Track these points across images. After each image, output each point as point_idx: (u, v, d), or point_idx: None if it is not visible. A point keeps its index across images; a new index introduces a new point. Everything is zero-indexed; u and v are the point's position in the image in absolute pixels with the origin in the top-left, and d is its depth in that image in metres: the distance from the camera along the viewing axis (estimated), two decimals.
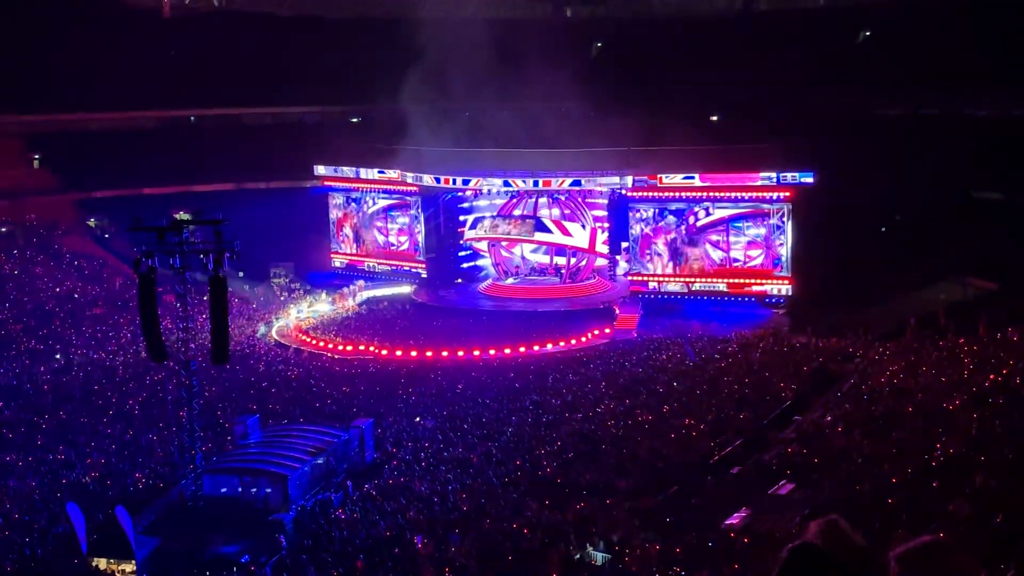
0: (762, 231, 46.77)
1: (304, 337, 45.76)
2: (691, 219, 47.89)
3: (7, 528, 23.32)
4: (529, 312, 48.80)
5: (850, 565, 3.45)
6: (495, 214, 53.99)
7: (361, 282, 55.50)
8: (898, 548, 3.52)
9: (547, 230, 52.51)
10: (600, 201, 52.90)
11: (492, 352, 41.63)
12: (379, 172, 55.83)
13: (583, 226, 52.51)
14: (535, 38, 50.82)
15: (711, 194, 47.40)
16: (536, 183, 51.81)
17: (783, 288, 46.47)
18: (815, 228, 45.47)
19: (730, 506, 23.44)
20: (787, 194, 45.92)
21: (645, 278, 48.93)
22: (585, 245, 52.56)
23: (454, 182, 53.30)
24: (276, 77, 59.95)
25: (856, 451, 25.51)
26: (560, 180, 51.46)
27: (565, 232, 52.42)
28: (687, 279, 48.17)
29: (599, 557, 21.33)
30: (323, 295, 53.83)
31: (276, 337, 46.35)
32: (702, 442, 28.45)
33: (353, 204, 57.50)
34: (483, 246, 56.05)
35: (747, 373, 35.42)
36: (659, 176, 48.11)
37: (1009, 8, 49.73)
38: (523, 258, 55.70)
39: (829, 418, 29.51)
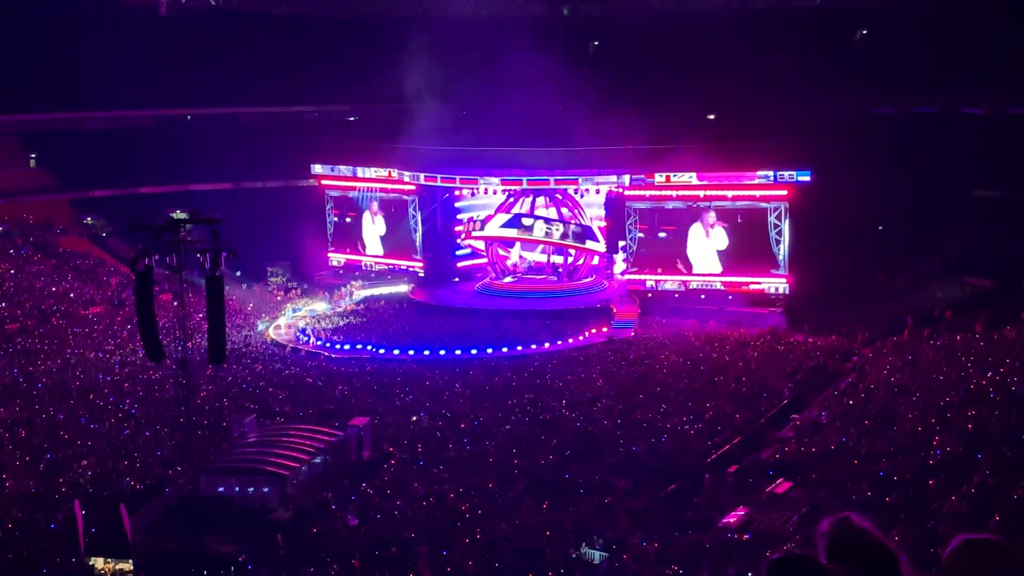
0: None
1: (303, 337, 45.69)
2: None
3: (4, 527, 23.26)
4: (526, 310, 48.75)
5: (872, 563, 3.43)
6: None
7: (357, 282, 55.49)
8: (958, 542, 3.53)
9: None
10: (597, 199, 52.89)
11: (489, 351, 41.61)
12: (376, 171, 55.79)
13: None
14: (532, 37, 50.76)
15: (708, 193, 47.43)
16: (534, 182, 51.77)
17: (781, 286, 46.48)
18: (812, 227, 45.49)
19: (728, 505, 23.47)
20: (784, 193, 45.97)
21: (643, 276, 48.94)
22: (603, 250, 52.74)
23: (451, 181, 53.33)
24: (272, 76, 59.87)
25: (853, 449, 25.55)
26: (557, 179, 51.44)
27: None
28: (684, 277, 48.19)
29: (597, 556, 21.35)
30: (320, 294, 53.81)
31: (273, 336, 46.30)
32: (699, 441, 28.47)
33: (350, 203, 57.41)
34: (480, 245, 56.00)
35: (744, 372, 35.46)
36: (656, 175, 48.14)
37: (1006, 8, 49.82)
38: (520, 256, 55.70)
39: (826, 416, 29.56)
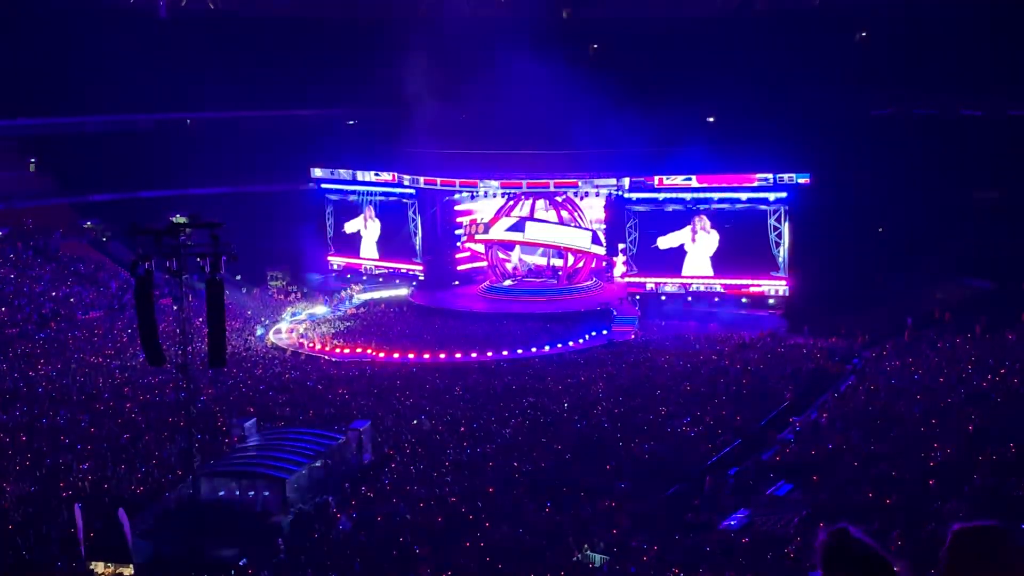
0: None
1: (303, 340, 45.66)
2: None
3: (5, 531, 23.25)
4: (526, 314, 48.71)
5: (868, 573, 3.45)
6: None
7: (357, 285, 55.45)
8: (959, 526, 3.57)
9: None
10: (597, 202, 52.87)
11: (489, 354, 41.57)
12: (376, 174, 55.83)
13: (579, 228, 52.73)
14: (532, 38, 50.75)
15: (708, 195, 47.44)
16: (533, 184, 51.78)
17: (780, 288, 46.46)
18: (812, 229, 45.49)
19: (728, 507, 23.45)
20: (784, 195, 45.97)
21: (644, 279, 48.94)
22: (603, 252, 52.70)
23: (451, 183, 53.32)
24: (272, 79, 59.88)
25: (854, 451, 25.54)
26: (557, 181, 51.47)
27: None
28: (684, 280, 48.20)
29: (597, 559, 21.32)
30: (320, 298, 53.78)
31: (273, 340, 46.27)
32: (700, 443, 28.46)
33: (350, 206, 57.41)
34: (481, 248, 55.95)
35: (745, 374, 35.46)
36: (656, 177, 48.17)
37: (1005, 9, 49.82)
38: (520, 259, 55.67)
39: (827, 418, 29.54)
